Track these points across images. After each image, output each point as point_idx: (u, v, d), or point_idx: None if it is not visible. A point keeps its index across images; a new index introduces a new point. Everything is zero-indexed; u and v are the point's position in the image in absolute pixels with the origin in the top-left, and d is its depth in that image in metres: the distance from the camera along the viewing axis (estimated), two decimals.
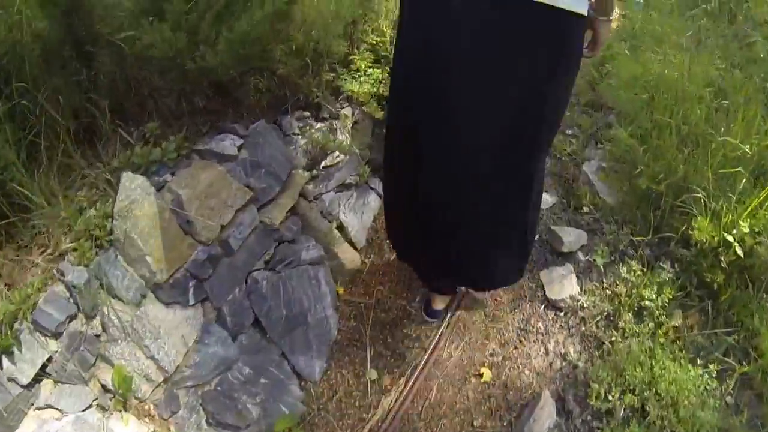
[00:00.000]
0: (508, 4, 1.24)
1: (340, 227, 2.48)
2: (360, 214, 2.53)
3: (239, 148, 2.14)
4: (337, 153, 2.39)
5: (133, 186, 1.91)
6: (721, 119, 2.66)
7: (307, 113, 2.41)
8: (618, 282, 2.36)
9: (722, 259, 2.28)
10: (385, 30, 2.41)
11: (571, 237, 2.45)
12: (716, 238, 2.28)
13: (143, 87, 2.11)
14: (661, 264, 2.36)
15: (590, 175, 2.72)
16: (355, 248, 2.51)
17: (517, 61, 1.34)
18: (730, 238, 2.26)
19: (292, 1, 2.05)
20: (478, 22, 1.28)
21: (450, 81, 1.38)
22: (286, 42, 2.18)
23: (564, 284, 2.36)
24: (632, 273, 2.35)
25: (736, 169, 2.42)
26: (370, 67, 2.35)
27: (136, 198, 1.90)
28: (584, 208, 2.63)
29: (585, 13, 1.28)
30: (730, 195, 2.39)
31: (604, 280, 2.39)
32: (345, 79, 2.33)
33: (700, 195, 2.39)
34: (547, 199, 2.70)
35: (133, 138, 2.17)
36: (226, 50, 1.77)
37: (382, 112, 2.36)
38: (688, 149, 2.58)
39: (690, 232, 2.36)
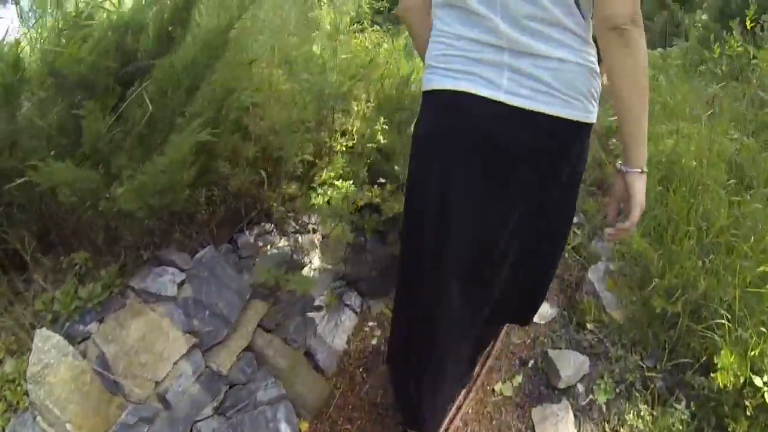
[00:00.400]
0: (512, 121, 1.18)
1: (307, 353, 2.16)
2: (331, 337, 2.22)
3: (181, 285, 1.85)
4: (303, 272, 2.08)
5: (47, 347, 1.62)
6: (747, 216, 2.33)
7: (269, 226, 2.11)
8: (622, 426, 2.02)
9: (747, 402, 1.94)
10: (355, 134, 2.11)
11: (570, 370, 2.11)
12: (742, 378, 1.94)
13: (69, 216, 1.82)
14: (674, 403, 2.02)
15: (596, 283, 2.38)
16: (324, 375, 2.20)
17: (524, 177, 1.29)
18: (758, 382, 1.92)
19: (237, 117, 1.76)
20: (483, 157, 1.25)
21: (460, 213, 1.31)
22: (235, 153, 1.89)
23: (558, 427, 2.02)
24: (639, 417, 2.01)
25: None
26: (340, 177, 2.04)
27: (50, 362, 1.61)
28: (588, 325, 2.29)
29: (593, 121, 1.23)
30: (762, 318, 2.06)
31: (607, 424, 2.05)
32: (311, 192, 2.03)
33: (723, 320, 2.05)
34: (547, 311, 2.37)
35: (62, 267, 1.89)
36: (136, 196, 1.47)
37: (352, 234, 2.05)
38: (709, 258, 2.25)
39: (711, 362, 2.03)
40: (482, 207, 1.31)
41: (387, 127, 2.18)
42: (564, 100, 1.17)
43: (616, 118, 1.29)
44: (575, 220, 2.84)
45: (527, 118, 1.17)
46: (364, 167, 2.16)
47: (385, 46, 3.20)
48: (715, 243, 2.26)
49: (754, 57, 3.70)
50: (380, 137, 2.13)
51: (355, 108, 2.12)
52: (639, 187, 1.23)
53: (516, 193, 1.32)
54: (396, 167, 2.15)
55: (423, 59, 1.36)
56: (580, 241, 2.69)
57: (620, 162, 1.26)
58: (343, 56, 2.18)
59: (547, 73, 1.15)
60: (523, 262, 1.47)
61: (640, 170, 1.22)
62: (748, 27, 3.69)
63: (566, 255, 2.65)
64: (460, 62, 1.21)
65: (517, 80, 1.17)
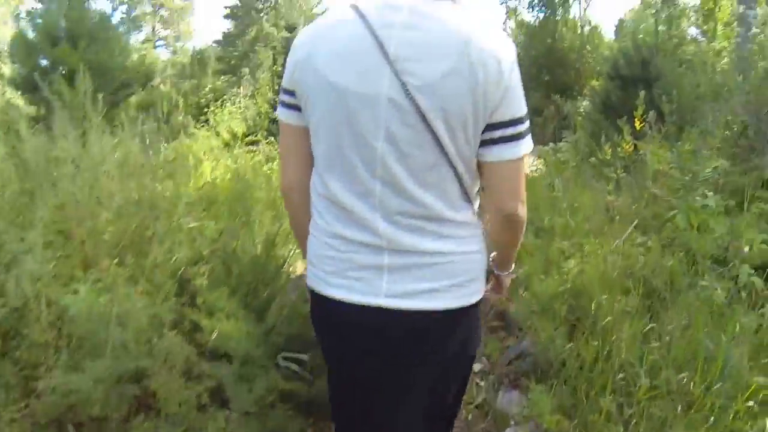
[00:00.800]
0: (393, 322, 1.14)
1: None
2: None
3: None
4: None
5: None
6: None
7: None
8: None
9: None
10: None
11: None
12: None
13: None
14: None
15: None
16: None
17: (411, 362, 1.21)
18: None
19: None
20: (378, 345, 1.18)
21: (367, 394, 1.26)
22: None
23: None
24: None
25: None
26: None
27: None
28: None
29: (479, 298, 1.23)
30: None
31: None
32: None
33: None
34: None
35: None
36: None
37: None
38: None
39: None
40: (369, 392, 1.26)
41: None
42: (448, 292, 1.14)
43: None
44: (478, 367, 2.42)
45: (409, 317, 1.13)
46: None
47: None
48: (637, 409, 1.87)
49: (644, 154, 3.62)
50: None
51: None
52: (507, 282, 1.41)
53: (402, 375, 1.23)
54: None
55: (302, 249, 1.33)
56: (484, 396, 2.24)
57: (495, 267, 1.35)
58: None
59: (429, 270, 1.13)
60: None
61: (508, 273, 1.37)
62: (638, 128, 3.61)
63: (469, 417, 2.19)
64: (336, 265, 1.17)
65: (398, 281, 1.13)
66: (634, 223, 3.04)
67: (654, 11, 27.50)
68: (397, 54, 1.04)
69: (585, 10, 25.79)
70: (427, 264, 1.12)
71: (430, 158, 1.07)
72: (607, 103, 6.40)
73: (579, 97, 23.43)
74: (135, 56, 8.40)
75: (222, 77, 27.98)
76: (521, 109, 1.09)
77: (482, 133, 1.08)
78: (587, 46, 23.82)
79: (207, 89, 28.21)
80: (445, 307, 1.14)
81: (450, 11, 1.07)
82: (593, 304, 2.34)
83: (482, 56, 1.03)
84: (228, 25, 30.00)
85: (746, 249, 2.87)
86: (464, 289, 1.17)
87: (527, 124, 1.11)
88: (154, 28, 38.24)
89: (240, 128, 21.15)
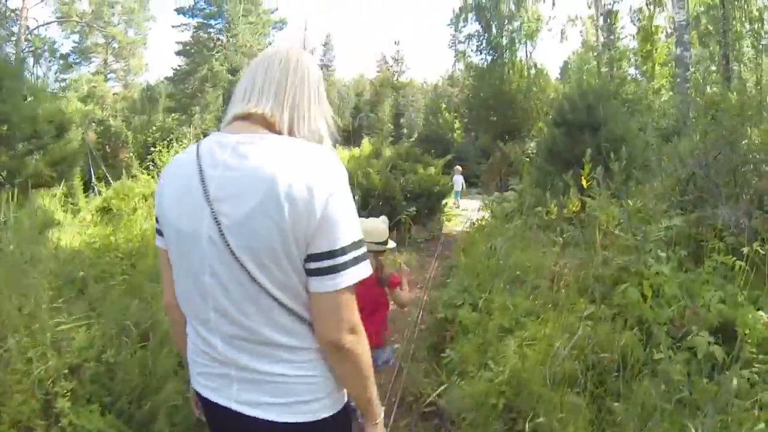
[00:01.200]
0: (245, 425, 1.17)
1: None
2: None
3: None
4: None
5: None
6: None
7: None
8: None
9: None
10: None
11: None
12: None
13: None
14: None
15: None
16: None
17: None
18: None
19: None
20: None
21: None
22: None
23: None
24: None
25: None
26: None
27: None
28: None
29: (329, 414, 1.20)
30: None
31: None
32: None
33: None
34: None
35: None
36: None
37: None
38: None
39: None
40: None
41: None
42: (287, 407, 1.15)
43: None
44: None
45: (256, 425, 1.16)
46: None
47: None
48: None
49: (592, 211, 3.34)
50: None
51: None
52: None
53: None
54: None
55: (183, 356, 1.38)
56: None
57: (359, 414, 1.31)
58: None
59: (269, 386, 1.15)
60: None
61: (374, 423, 1.27)
62: (585, 185, 3.33)
63: None
64: (201, 370, 1.24)
65: (245, 390, 1.17)
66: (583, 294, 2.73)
67: (595, 54, 28.63)
68: (215, 195, 1.10)
69: (531, 53, 26.58)
70: (267, 381, 1.15)
71: (249, 291, 1.10)
72: (553, 149, 6.21)
73: (527, 139, 23.93)
74: (48, 104, 7.68)
75: (172, 115, 27.31)
76: (340, 240, 1.07)
77: (304, 262, 1.09)
78: (534, 88, 24.40)
79: (155, 127, 27.35)
80: (285, 421, 1.15)
81: (271, 146, 1.11)
82: (534, 399, 1.98)
83: (290, 191, 1.04)
84: (179, 62, 29.37)
85: (702, 312, 2.63)
86: (305, 407, 1.16)
87: (351, 254, 1.08)
88: (106, 61, 37.27)
89: None
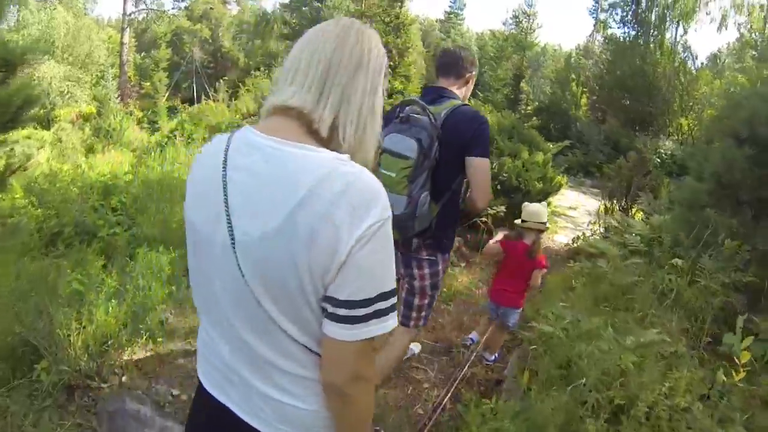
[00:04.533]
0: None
1: None
2: None
3: None
4: None
5: None
6: None
7: None
8: None
9: None
10: None
11: None
12: None
13: None
14: None
15: None
16: None
17: None
18: None
19: None
20: None
21: None
22: None
23: None
24: None
25: None
26: None
27: None
28: None
29: None
30: None
31: None
32: None
33: None
34: None
35: None
36: None
37: None
38: None
39: None
40: None
41: None
42: (280, 429, 1.10)
43: None
44: None
45: (248, 428, 1.11)
46: None
47: None
48: None
49: None
50: None
51: None
52: None
53: None
54: None
55: None
56: None
57: None
58: None
59: (264, 406, 1.09)
60: None
61: None
62: None
63: None
64: (205, 363, 1.20)
65: (244, 399, 1.12)
66: None
67: (756, 52, 24.31)
68: (233, 203, 1.01)
69: (681, 36, 22.82)
70: (264, 401, 1.09)
71: (256, 313, 1.02)
72: (724, 179, 4.04)
73: (662, 135, 20.67)
74: None
75: (286, 42, 26.65)
76: (364, 291, 0.96)
77: (320, 299, 0.99)
78: (681, 77, 20.86)
79: (260, 51, 26.59)
80: None
81: (304, 162, 0.97)
82: None
83: (315, 225, 0.93)
84: None
85: None
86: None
87: (374, 307, 0.97)
88: None
89: (252, 105, 19.73)
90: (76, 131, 13.03)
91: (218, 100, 21.45)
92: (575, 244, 6.27)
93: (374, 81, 1.07)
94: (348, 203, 0.92)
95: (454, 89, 2.48)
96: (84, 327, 2.54)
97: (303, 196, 0.92)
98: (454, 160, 2.31)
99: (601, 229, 5.54)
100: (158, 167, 5.97)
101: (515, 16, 25.23)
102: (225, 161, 1.03)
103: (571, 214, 9.37)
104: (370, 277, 0.95)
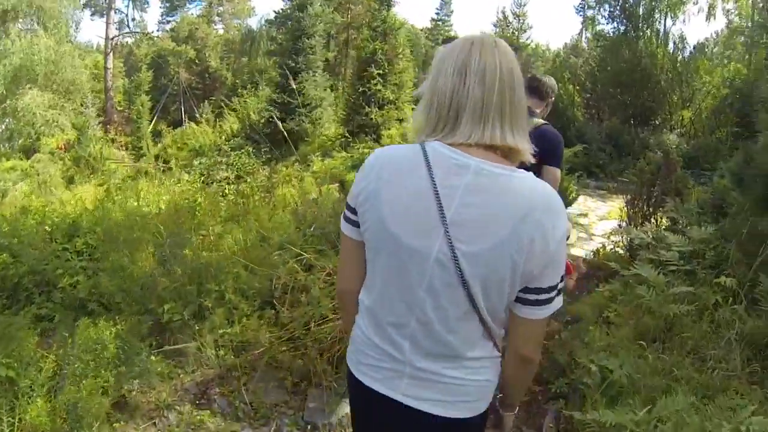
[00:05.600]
0: (406, 417, 1.28)
1: None
2: None
3: None
4: None
5: None
6: None
7: None
8: None
9: None
10: None
11: None
12: None
13: None
14: None
15: None
16: None
17: None
18: None
19: None
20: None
21: None
22: None
23: None
24: None
25: None
26: None
27: None
28: None
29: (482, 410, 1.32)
30: None
31: None
32: None
33: None
34: None
35: None
36: None
37: None
38: None
39: None
40: None
41: None
42: (454, 405, 1.27)
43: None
44: None
45: (420, 416, 1.27)
46: None
47: None
48: None
49: None
50: None
51: None
52: (508, 422, 1.53)
53: None
54: None
55: (347, 331, 1.49)
56: None
57: (500, 404, 1.46)
58: None
59: (441, 386, 1.25)
60: None
61: (512, 412, 1.51)
62: None
63: None
64: (368, 362, 1.33)
65: (414, 386, 1.27)
66: None
67: (745, 38, 23.89)
68: (454, 219, 1.14)
69: (670, 29, 22.28)
70: (441, 382, 1.25)
71: (465, 312, 1.19)
72: None
73: (665, 129, 20.16)
74: None
75: (273, 58, 26.16)
76: (557, 278, 1.19)
77: (518, 290, 1.18)
78: (677, 68, 20.36)
79: (246, 69, 26.16)
80: (449, 416, 1.26)
81: (513, 180, 1.15)
82: None
83: (533, 234, 1.12)
84: (281, 4, 28.05)
85: None
86: (469, 404, 1.29)
87: (559, 287, 1.20)
88: (211, 3, 37.00)
89: (235, 125, 19.18)
90: (55, 161, 12.48)
91: (202, 122, 20.87)
92: (596, 258, 5.72)
93: (522, 87, 1.21)
94: (550, 214, 1.12)
95: (537, 110, 3.07)
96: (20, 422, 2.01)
97: (525, 213, 1.10)
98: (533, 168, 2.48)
99: (626, 242, 4.99)
100: (128, 202, 5.37)
101: (505, 17, 24.80)
102: (432, 177, 1.14)
103: (583, 222, 8.81)
104: (561, 266, 1.18)
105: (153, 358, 3.01)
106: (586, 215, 9.29)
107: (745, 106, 16.64)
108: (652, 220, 5.23)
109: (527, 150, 1.19)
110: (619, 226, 5.38)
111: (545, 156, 2.68)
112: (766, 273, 2.93)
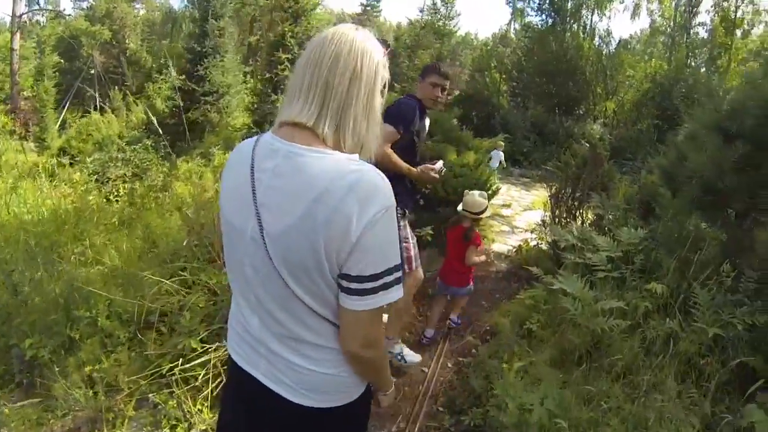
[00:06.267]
0: (266, 396, 1.30)
1: None
2: None
3: None
4: None
5: None
6: None
7: None
8: None
9: None
10: None
11: None
12: None
13: None
14: None
15: None
16: None
17: None
18: None
19: None
20: None
21: None
22: None
23: None
24: None
25: None
26: None
27: None
28: None
29: (345, 402, 1.32)
30: None
31: None
32: None
33: None
34: None
35: None
36: None
37: None
38: None
39: None
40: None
41: None
42: (306, 395, 1.27)
43: None
44: None
45: (280, 400, 1.28)
46: None
47: None
48: None
49: None
50: None
51: None
52: (383, 400, 1.88)
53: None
54: None
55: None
56: None
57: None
58: None
59: (291, 374, 1.27)
60: None
61: (384, 393, 1.86)
62: None
63: None
64: (236, 338, 1.39)
65: (272, 368, 1.29)
66: None
67: (666, 38, 25.06)
68: (262, 201, 1.19)
69: (596, 24, 23.00)
70: (291, 369, 1.27)
71: (282, 292, 1.20)
72: (710, 186, 3.25)
73: (588, 119, 20.68)
74: None
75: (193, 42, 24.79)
76: (372, 267, 1.14)
77: (336, 277, 1.17)
78: (602, 61, 20.88)
79: (164, 52, 24.62)
80: (303, 404, 1.27)
81: (319, 164, 1.15)
82: None
83: (330, 217, 1.10)
84: None
85: None
86: (323, 396, 1.29)
87: (381, 281, 1.16)
88: None
89: (142, 116, 17.99)
90: None
91: (107, 111, 19.40)
92: (518, 256, 5.49)
93: (368, 86, 1.21)
94: (355, 197, 1.09)
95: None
96: None
97: (321, 195, 1.10)
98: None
99: (550, 239, 4.78)
100: (10, 209, 4.66)
101: (433, 3, 24.57)
102: (252, 163, 1.21)
103: (506, 213, 8.63)
104: (377, 255, 1.14)
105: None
106: (509, 206, 9.13)
107: (665, 100, 17.50)
108: (578, 215, 5.04)
109: (349, 144, 1.20)
110: (543, 223, 5.15)
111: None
112: (701, 283, 2.70)
